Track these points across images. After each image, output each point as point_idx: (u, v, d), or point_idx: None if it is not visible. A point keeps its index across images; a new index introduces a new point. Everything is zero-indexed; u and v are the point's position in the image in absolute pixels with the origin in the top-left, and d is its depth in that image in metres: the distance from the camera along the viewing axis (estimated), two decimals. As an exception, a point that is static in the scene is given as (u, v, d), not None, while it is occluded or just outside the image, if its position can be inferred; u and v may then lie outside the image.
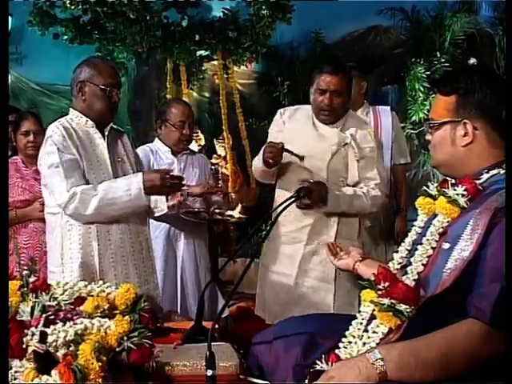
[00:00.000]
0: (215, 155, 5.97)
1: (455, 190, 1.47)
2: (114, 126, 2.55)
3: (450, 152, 1.53)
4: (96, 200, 2.28)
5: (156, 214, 2.62)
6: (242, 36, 5.79)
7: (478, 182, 1.48)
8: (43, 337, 1.21)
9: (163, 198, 2.56)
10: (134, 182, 2.31)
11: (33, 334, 1.26)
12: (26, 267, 2.84)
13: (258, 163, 2.76)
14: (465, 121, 1.49)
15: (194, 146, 6.07)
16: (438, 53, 5.69)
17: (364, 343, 1.51)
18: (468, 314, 1.35)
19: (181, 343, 1.77)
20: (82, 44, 5.82)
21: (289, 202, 1.74)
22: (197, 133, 6.19)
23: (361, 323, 1.55)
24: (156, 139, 3.25)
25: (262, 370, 1.69)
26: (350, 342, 1.53)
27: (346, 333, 1.55)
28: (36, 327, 1.27)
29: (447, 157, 1.54)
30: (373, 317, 1.53)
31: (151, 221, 2.80)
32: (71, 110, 2.45)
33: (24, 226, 3.01)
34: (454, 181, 1.55)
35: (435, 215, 1.52)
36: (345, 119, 2.79)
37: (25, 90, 6.35)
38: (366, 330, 1.53)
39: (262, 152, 2.70)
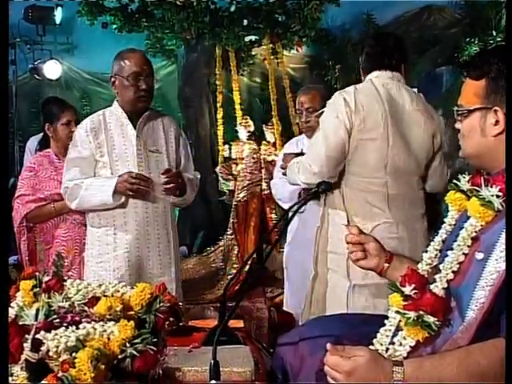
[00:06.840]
0: (264, 141, 5.85)
1: (489, 190, 1.30)
2: (156, 111, 2.61)
3: (479, 143, 1.36)
4: (80, 195, 2.42)
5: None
6: (290, 20, 5.68)
7: None
8: (36, 345, 1.17)
9: None
10: (110, 181, 2.38)
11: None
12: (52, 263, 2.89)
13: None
14: (495, 108, 1.32)
15: (242, 133, 6.03)
16: (493, 31, 5.38)
17: (390, 355, 1.41)
18: (500, 332, 1.21)
19: (198, 346, 1.69)
20: (130, 32, 5.87)
21: (310, 196, 1.67)
22: (246, 119, 6.12)
23: (389, 330, 1.44)
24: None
25: (286, 372, 1.59)
26: (376, 350, 1.43)
27: (374, 340, 1.44)
28: (36, 333, 1.22)
29: (476, 148, 1.38)
30: (399, 328, 1.41)
31: None
32: (114, 101, 2.53)
33: (63, 220, 2.91)
34: (486, 176, 1.39)
35: (467, 216, 1.37)
36: None
37: (77, 80, 6.48)
38: (392, 343, 1.41)
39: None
